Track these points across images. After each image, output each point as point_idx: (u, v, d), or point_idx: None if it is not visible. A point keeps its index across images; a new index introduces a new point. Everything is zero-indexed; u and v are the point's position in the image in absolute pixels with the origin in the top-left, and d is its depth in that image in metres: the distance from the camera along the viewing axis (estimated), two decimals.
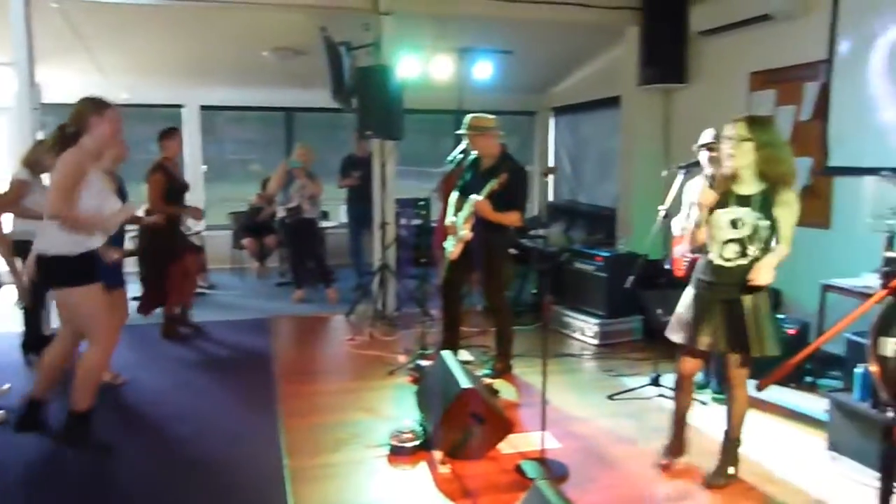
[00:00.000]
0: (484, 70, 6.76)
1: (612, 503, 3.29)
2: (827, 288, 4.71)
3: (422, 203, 5.51)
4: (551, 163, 9.98)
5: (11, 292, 4.62)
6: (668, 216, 4.71)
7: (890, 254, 4.01)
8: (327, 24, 6.40)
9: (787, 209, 3.21)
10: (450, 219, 4.95)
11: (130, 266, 5.49)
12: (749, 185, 3.27)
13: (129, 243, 7.39)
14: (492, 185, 4.52)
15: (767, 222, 3.22)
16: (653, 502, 3.30)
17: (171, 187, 5.77)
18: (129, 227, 5.29)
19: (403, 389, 4.69)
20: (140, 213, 5.42)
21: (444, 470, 3.54)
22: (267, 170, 8.86)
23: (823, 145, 5.42)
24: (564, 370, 5.29)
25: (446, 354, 4.13)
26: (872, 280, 4.33)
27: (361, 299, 6.74)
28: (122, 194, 4.64)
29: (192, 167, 9.26)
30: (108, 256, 3.99)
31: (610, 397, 4.65)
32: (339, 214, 9.13)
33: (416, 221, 8.01)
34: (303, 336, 6.46)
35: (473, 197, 4.67)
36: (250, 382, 4.97)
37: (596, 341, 5.89)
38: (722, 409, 4.39)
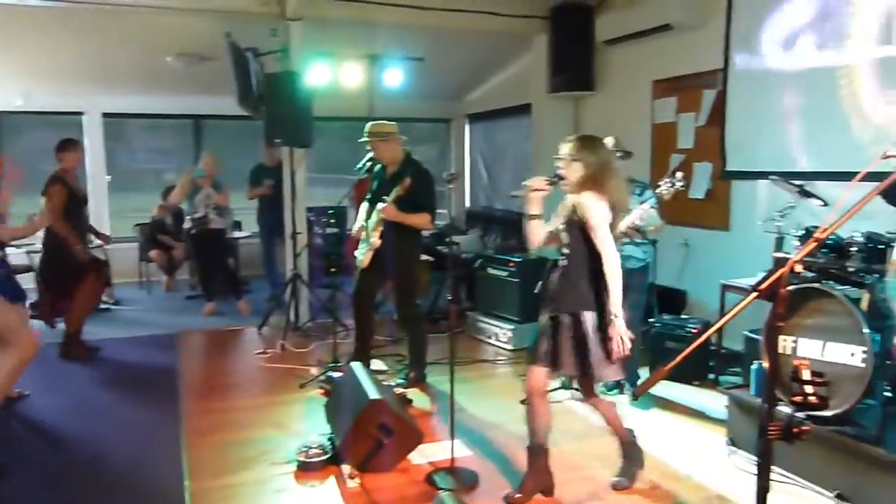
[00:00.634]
0: (395, 77, 6.75)
1: None
2: (726, 287, 4.89)
3: (331, 211, 5.43)
4: (465, 168, 10.04)
5: None
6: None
7: (778, 254, 4.19)
8: (233, 29, 6.23)
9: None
10: (359, 226, 4.89)
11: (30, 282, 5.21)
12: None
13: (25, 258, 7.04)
14: (397, 190, 4.49)
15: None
16: None
17: (71, 200, 5.51)
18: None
19: (314, 403, 4.59)
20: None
21: (353, 484, 3.47)
22: (179, 179, 8.56)
23: (721, 151, 5.64)
24: (479, 376, 5.30)
25: (356, 365, 4.07)
26: None
27: (274, 311, 6.59)
28: None
29: (96, 177, 8.86)
30: None
31: (523, 402, 4.65)
32: (251, 224, 8.90)
33: (333, 230, 7.91)
34: (212, 351, 6.25)
35: (381, 204, 4.63)
36: (154, 401, 4.76)
37: (510, 346, 5.93)
38: (640, 411, 4.54)
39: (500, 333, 6.09)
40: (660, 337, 5.12)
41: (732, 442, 3.93)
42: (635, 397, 1.82)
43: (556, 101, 7.45)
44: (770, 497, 1.79)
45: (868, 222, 3.58)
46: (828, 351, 3.41)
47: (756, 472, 1.63)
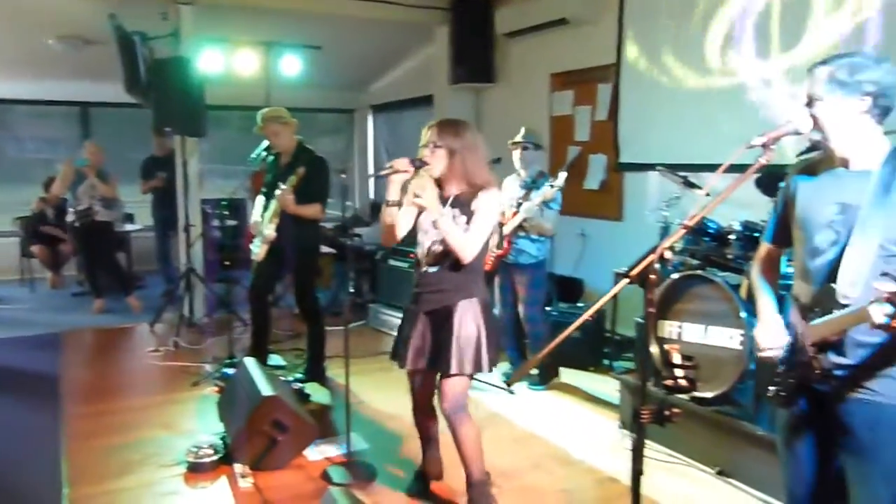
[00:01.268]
0: (292, 65, 6.59)
1: (416, 503, 3.28)
2: (619, 276, 5.02)
3: (224, 203, 5.25)
4: (369, 160, 9.95)
5: None
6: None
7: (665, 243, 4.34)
8: (119, 11, 5.90)
9: (478, 213, 2.93)
10: (254, 218, 4.75)
11: None
12: (455, 188, 3.01)
13: None
14: (291, 180, 4.38)
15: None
16: (458, 496, 3.32)
17: None
18: None
19: (208, 401, 4.42)
20: None
21: (246, 484, 3.36)
22: None
23: (615, 143, 5.81)
24: (379, 368, 5.24)
25: (249, 361, 3.96)
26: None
27: (167, 307, 6.32)
28: None
29: None
30: None
31: None
32: (146, 217, 8.51)
33: (230, 222, 7.66)
34: (100, 350, 5.94)
35: (278, 193, 4.49)
36: (33, 405, 4.49)
37: None
38: (537, 398, 4.63)
39: None
40: (557, 325, 5.22)
41: (624, 425, 4.06)
42: (509, 385, 1.83)
43: (458, 93, 7.47)
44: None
45: (746, 211, 3.77)
46: (710, 335, 3.57)
47: (630, 456, 1.66)
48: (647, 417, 1.66)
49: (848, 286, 1.87)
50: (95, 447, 3.81)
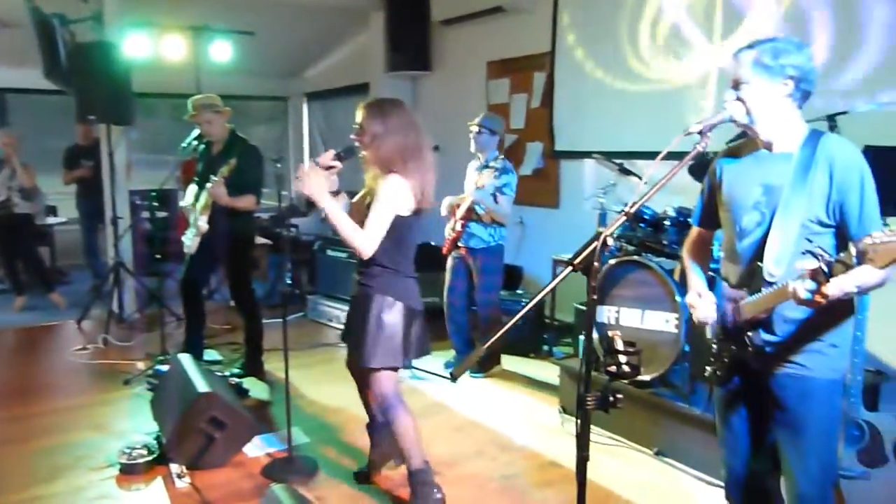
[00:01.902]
0: (223, 51, 6.40)
1: (357, 495, 3.24)
2: (557, 262, 5.09)
3: (154, 194, 5.06)
4: (304, 149, 9.78)
5: None
6: None
7: (601, 229, 4.40)
8: None
9: (373, 204, 2.83)
10: (186, 208, 4.59)
11: None
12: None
13: None
14: (223, 170, 4.24)
15: None
16: (395, 487, 3.30)
17: None
18: None
19: (140, 400, 4.27)
20: None
21: (183, 484, 3.27)
22: None
23: (550, 131, 5.86)
24: (319, 360, 5.19)
25: (183, 357, 3.84)
26: None
27: (95, 302, 6.08)
28: None
29: None
30: None
31: None
32: (69, 209, 8.15)
33: (160, 213, 7.40)
34: (23, 350, 5.66)
35: (209, 186, 4.36)
36: None
37: None
38: (478, 386, 4.64)
39: (341, 316, 5.98)
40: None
41: (564, 410, 4.11)
42: (454, 378, 1.80)
43: (395, 81, 7.40)
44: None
45: (679, 197, 3.85)
46: (646, 319, 3.65)
47: (576, 442, 1.67)
48: (591, 404, 1.67)
49: (773, 265, 1.93)
50: (21, 452, 3.64)
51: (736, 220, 2.09)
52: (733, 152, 2.16)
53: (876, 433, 2.65)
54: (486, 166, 4.64)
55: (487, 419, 4.10)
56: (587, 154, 5.32)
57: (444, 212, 4.73)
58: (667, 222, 3.79)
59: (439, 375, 4.68)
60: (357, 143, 2.88)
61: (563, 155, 5.82)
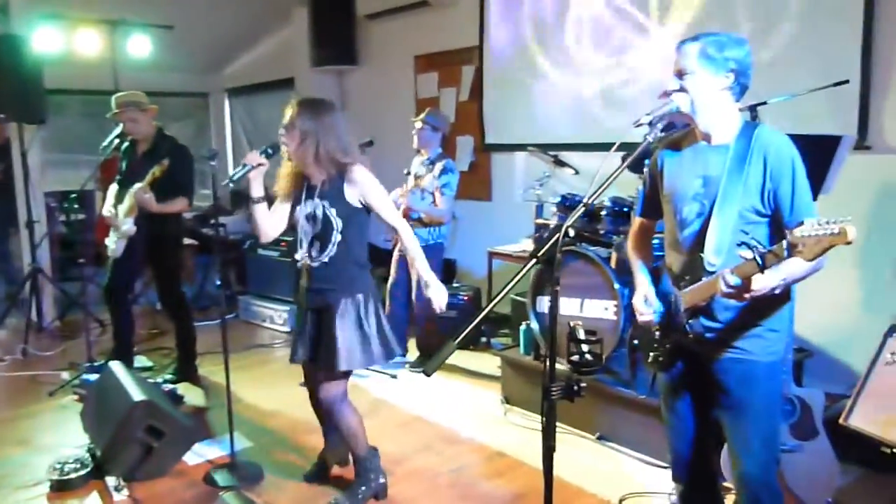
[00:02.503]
0: (141, 46, 6.15)
1: (307, 496, 3.20)
2: (492, 255, 5.14)
3: (74, 196, 4.82)
4: (227, 146, 9.54)
5: None
6: None
7: (539, 220, 4.49)
8: None
9: (372, 198, 2.89)
10: (108, 211, 4.39)
11: None
12: (320, 175, 2.88)
13: None
14: (153, 172, 4.07)
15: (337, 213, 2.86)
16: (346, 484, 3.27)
17: None
18: None
19: (68, 412, 4.08)
20: None
21: (121, 497, 3.14)
22: None
23: (480, 125, 5.90)
24: (255, 362, 5.08)
25: (114, 365, 3.68)
26: (528, 244, 4.83)
27: (10, 311, 5.76)
28: None
29: None
30: None
31: (302, 384, 4.55)
32: None
33: (79, 216, 7.06)
34: None
35: (136, 186, 4.17)
36: None
37: (286, 328, 5.75)
38: (419, 380, 4.64)
39: (275, 315, 5.89)
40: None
41: (507, 400, 4.16)
42: (427, 374, 1.80)
43: (320, 75, 7.30)
44: (540, 445, 1.89)
45: (613, 188, 3.93)
46: (586, 307, 3.72)
47: (541, 429, 1.70)
48: (556, 394, 1.70)
49: (713, 254, 2.01)
50: None
51: (677, 210, 2.15)
52: (673, 144, 2.22)
53: (806, 407, 2.79)
54: (433, 162, 4.63)
55: (431, 414, 4.10)
56: (518, 147, 5.40)
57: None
58: (603, 212, 3.88)
59: (380, 372, 4.66)
60: (285, 141, 2.87)
61: (494, 148, 5.88)
